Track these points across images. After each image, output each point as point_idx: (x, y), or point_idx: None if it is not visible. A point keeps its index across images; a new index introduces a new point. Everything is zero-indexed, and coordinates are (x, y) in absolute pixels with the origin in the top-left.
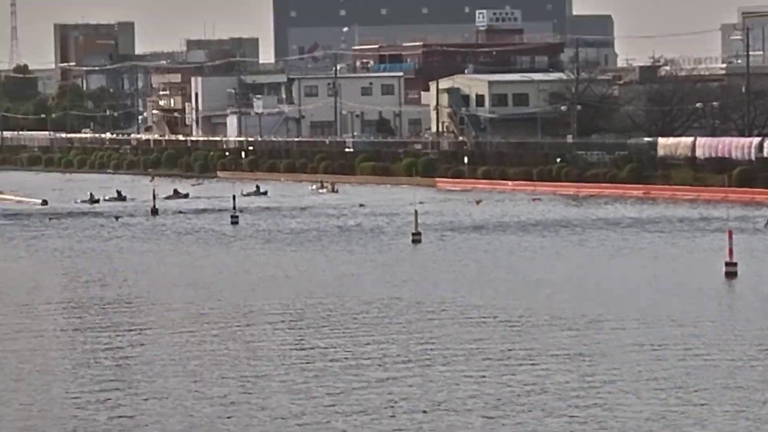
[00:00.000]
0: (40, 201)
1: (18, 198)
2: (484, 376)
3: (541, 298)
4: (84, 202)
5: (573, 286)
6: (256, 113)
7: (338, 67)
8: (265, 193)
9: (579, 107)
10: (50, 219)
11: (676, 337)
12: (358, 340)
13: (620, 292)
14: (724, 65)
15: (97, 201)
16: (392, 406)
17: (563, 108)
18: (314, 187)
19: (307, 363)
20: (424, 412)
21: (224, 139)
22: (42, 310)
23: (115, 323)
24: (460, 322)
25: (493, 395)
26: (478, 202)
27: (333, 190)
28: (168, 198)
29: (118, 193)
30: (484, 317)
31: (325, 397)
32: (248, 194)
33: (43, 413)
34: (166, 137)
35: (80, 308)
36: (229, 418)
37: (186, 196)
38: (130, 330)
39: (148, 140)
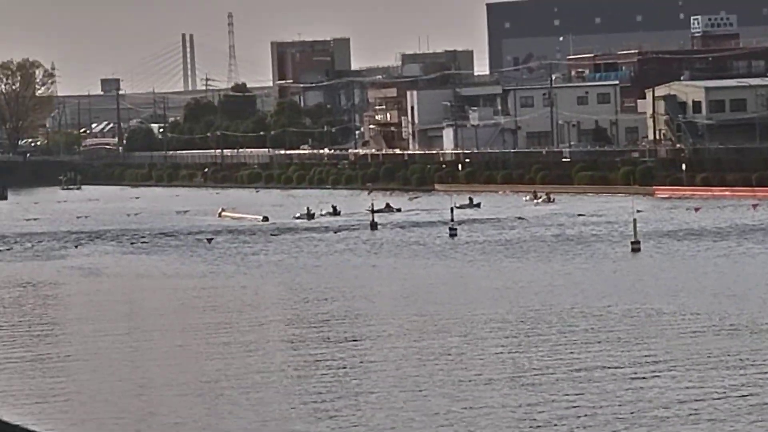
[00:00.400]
0: (261, 218)
1: (240, 215)
2: (697, 385)
3: (757, 306)
4: (301, 217)
5: None
6: (472, 125)
7: (553, 77)
8: (478, 205)
9: None
10: (272, 235)
11: None
12: (573, 351)
13: None
14: None
15: (313, 216)
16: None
17: None
18: (528, 198)
19: (519, 375)
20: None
21: (441, 152)
22: (264, 324)
23: (334, 336)
24: (683, 333)
25: (708, 404)
26: (697, 210)
27: (549, 200)
28: (378, 211)
29: (334, 208)
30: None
31: (545, 410)
32: (461, 206)
33: (264, 426)
34: (383, 151)
35: (300, 322)
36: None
37: (399, 210)
38: (350, 342)
39: (365, 155)
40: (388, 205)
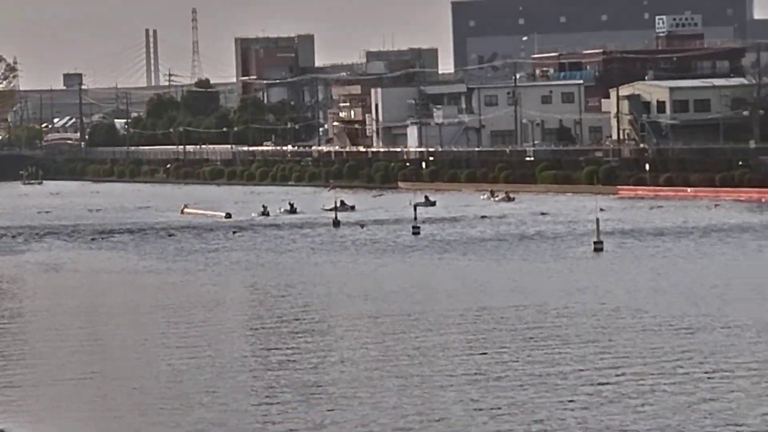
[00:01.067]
0: (224, 214)
1: (203, 211)
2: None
3: (715, 305)
4: (261, 215)
5: (748, 293)
6: (436, 123)
7: (518, 76)
8: (433, 204)
9: (761, 112)
10: (234, 232)
11: None
12: (528, 348)
13: None
14: None
15: (268, 214)
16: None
17: (745, 113)
18: (485, 196)
19: (478, 373)
20: None
21: (405, 149)
22: (222, 320)
23: (294, 333)
24: (639, 330)
25: (662, 405)
26: (651, 208)
27: (509, 199)
28: (331, 210)
29: (291, 205)
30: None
31: (494, 406)
32: (418, 204)
33: (222, 421)
34: (347, 149)
35: (259, 318)
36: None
37: (352, 208)
38: (310, 338)
39: (329, 152)
40: (342, 202)
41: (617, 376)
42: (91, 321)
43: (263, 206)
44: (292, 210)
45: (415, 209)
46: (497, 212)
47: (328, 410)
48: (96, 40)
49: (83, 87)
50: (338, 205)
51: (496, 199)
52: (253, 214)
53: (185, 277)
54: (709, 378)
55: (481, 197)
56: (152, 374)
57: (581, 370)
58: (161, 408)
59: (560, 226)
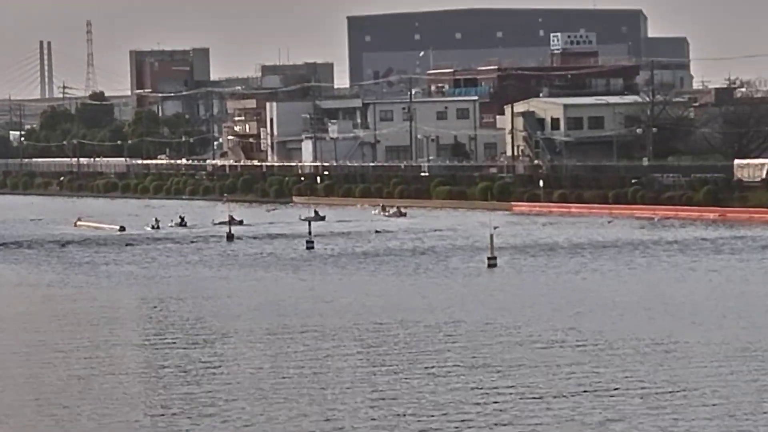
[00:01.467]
0: (117, 227)
1: (97, 224)
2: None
3: (609, 321)
4: (152, 228)
5: (640, 308)
6: (332, 138)
7: (413, 92)
8: (323, 218)
9: (654, 130)
10: (127, 245)
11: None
12: (420, 362)
13: (685, 314)
14: None
15: (159, 227)
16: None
17: (639, 131)
18: (376, 211)
19: (372, 385)
20: None
21: (299, 164)
22: (117, 336)
23: (183, 345)
24: (535, 347)
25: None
26: (545, 225)
27: (400, 214)
28: (222, 224)
29: (181, 218)
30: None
31: (382, 416)
32: (306, 219)
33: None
34: (242, 163)
35: (147, 331)
36: None
37: (240, 222)
38: (200, 351)
39: (223, 166)
40: (231, 217)
41: (495, 386)
42: None
43: (155, 219)
44: (182, 223)
45: (309, 224)
46: (391, 227)
47: (220, 422)
48: None
49: None
50: (227, 219)
51: (387, 214)
52: (145, 227)
53: (76, 290)
54: (573, 395)
55: (373, 212)
56: (38, 386)
57: (462, 380)
58: (48, 417)
59: (454, 242)
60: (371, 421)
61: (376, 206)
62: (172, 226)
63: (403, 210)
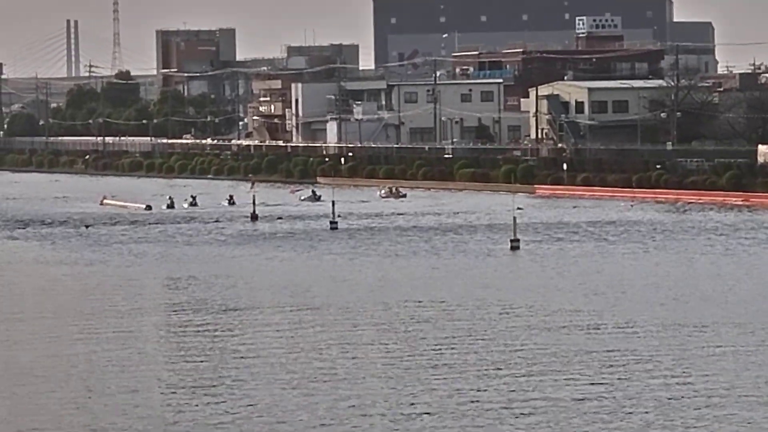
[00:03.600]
0: (144, 206)
1: (123, 203)
2: (541, 381)
3: (628, 303)
4: (167, 207)
5: (656, 291)
6: (356, 119)
7: (438, 74)
8: (319, 198)
9: (679, 114)
10: (151, 224)
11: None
12: (440, 341)
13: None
14: None
15: (174, 207)
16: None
17: (663, 115)
18: (383, 191)
19: (391, 365)
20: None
21: (324, 145)
22: (140, 315)
23: (211, 326)
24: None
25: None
26: (575, 208)
27: (399, 195)
28: (192, 205)
29: (193, 198)
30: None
31: (409, 393)
32: (305, 199)
33: (138, 411)
34: (267, 143)
35: (177, 311)
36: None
37: (233, 203)
38: (227, 331)
39: (248, 146)
40: (192, 197)
41: (520, 370)
42: (3, 312)
43: (169, 197)
44: (194, 203)
45: (333, 205)
46: (414, 209)
47: (242, 395)
48: (16, 30)
49: (2, 77)
50: (191, 200)
51: (383, 194)
52: (162, 207)
53: (102, 268)
54: (595, 375)
55: (378, 194)
56: (65, 364)
57: (484, 359)
58: (77, 400)
59: (478, 224)
60: (393, 402)
61: (384, 187)
62: (185, 207)
63: (402, 191)
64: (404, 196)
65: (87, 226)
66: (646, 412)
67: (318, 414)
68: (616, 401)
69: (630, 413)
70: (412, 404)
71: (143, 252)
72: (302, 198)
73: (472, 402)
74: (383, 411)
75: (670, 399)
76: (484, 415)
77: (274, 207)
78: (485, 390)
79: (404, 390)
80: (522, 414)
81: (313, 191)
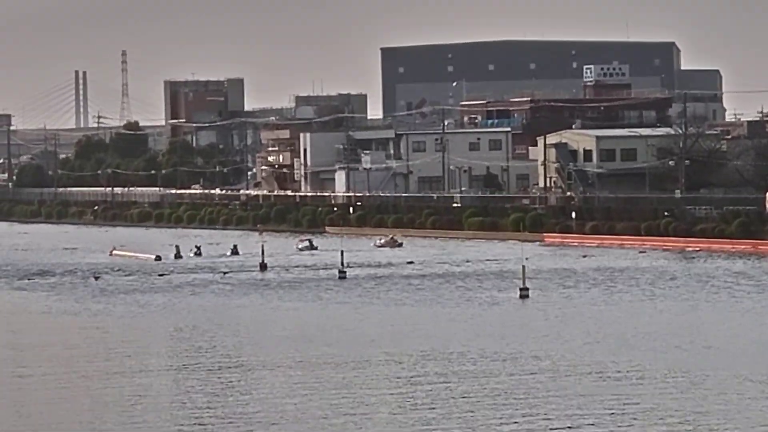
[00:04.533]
0: (153, 257)
1: (132, 254)
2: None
3: (639, 352)
4: (174, 257)
5: (669, 341)
6: (364, 168)
7: (446, 123)
8: (315, 248)
9: (687, 162)
10: (160, 275)
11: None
12: (445, 387)
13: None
14: None
15: (181, 257)
16: None
17: (671, 163)
18: (381, 241)
19: (400, 413)
20: None
21: (332, 194)
22: (148, 361)
23: (221, 369)
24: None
25: None
26: (584, 257)
27: (395, 244)
28: (196, 254)
29: (197, 248)
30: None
31: None
32: (303, 249)
33: None
34: (275, 193)
35: (187, 362)
36: None
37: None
38: (237, 378)
39: (257, 196)
40: (235, 247)
41: (530, 415)
42: (14, 362)
43: (176, 247)
44: (198, 253)
45: (342, 254)
46: (423, 258)
47: None
48: (24, 81)
49: (12, 128)
50: (196, 250)
51: (379, 243)
52: (170, 256)
53: (112, 319)
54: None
55: (374, 244)
56: (73, 410)
57: (498, 405)
58: None
59: (487, 273)
60: None
61: (383, 237)
62: (190, 256)
63: (398, 239)
64: (401, 245)
65: (96, 278)
66: None
67: None
68: None
69: None
70: None
71: (150, 303)
72: (299, 247)
73: None
74: None
75: None
76: None
77: (275, 257)
78: None
79: None
80: None
81: (310, 240)
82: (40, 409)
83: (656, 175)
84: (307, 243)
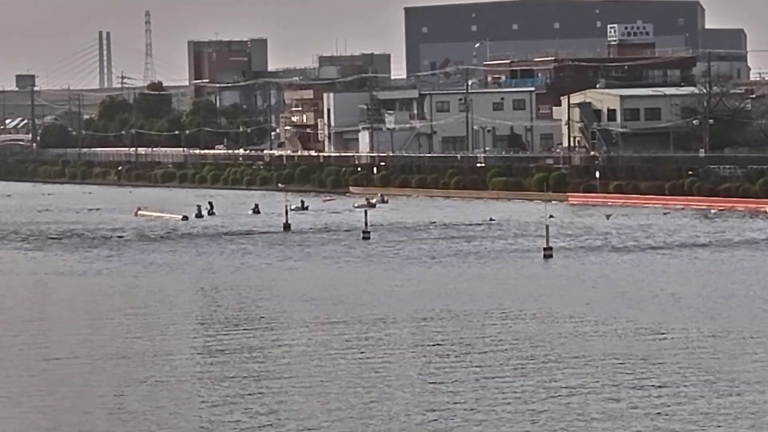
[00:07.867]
0: (180, 216)
1: (158, 214)
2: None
3: (656, 311)
4: (196, 216)
5: (696, 300)
6: (388, 129)
7: (470, 83)
8: (306, 208)
9: (711, 121)
10: (183, 236)
11: None
12: (465, 348)
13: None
14: None
15: (202, 216)
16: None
17: (695, 122)
18: (357, 204)
19: (425, 374)
20: None
21: (356, 154)
22: (176, 323)
23: (247, 330)
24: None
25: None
26: (608, 217)
27: (383, 201)
28: (209, 213)
29: (210, 204)
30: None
31: (439, 406)
32: (295, 209)
33: (169, 422)
34: (299, 153)
35: (214, 320)
36: None
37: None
38: (263, 339)
39: (280, 156)
40: (256, 206)
41: (554, 374)
42: (41, 324)
43: (198, 206)
44: (211, 212)
45: (366, 214)
46: (442, 217)
47: (278, 401)
48: (49, 42)
49: (36, 88)
50: (209, 208)
51: (357, 205)
52: (193, 215)
53: (141, 281)
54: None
55: (354, 205)
56: (107, 375)
57: (522, 367)
58: (120, 408)
59: (510, 232)
60: (425, 411)
61: (372, 196)
62: (204, 216)
63: (382, 198)
64: (386, 202)
65: (120, 236)
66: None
67: (350, 426)
68: (650, 404)
69: (666, 417)
70: (447, 418)
71: (175, 263)
72: (292, 207)
73: (506, 412)
74: (416, 423)
75: (704, 407)
76: (516, 419)
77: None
78: (515, 397)
79: (437, 401)
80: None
81: (302, 201)
82: (65, 369)
83: (680, 135)
84: (299, 203)
